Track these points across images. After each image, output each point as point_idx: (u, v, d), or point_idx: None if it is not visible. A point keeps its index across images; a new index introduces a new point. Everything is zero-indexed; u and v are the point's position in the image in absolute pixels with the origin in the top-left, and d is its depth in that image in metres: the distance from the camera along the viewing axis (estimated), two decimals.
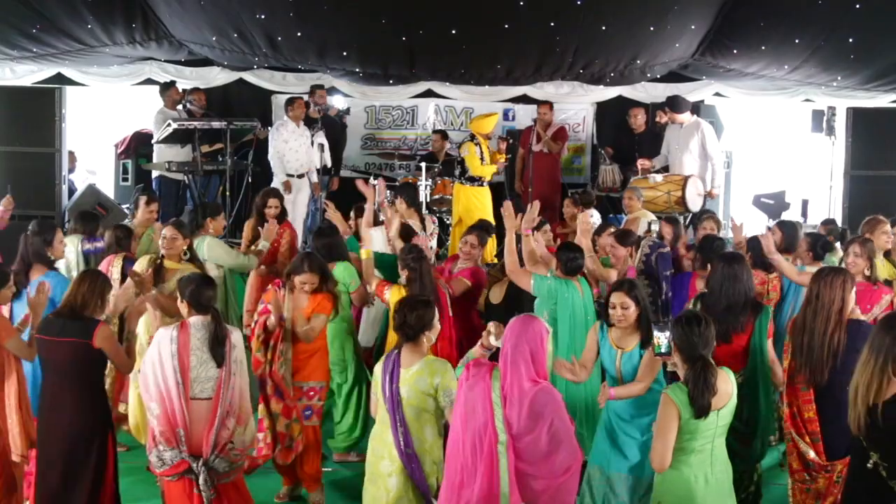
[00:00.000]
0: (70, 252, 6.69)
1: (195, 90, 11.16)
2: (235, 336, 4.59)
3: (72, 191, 10.08)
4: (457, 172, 9.77)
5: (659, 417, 3.98)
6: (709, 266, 5.63)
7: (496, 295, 6.40)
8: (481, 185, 9.64)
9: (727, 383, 4.04)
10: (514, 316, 4.14)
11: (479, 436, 3.89)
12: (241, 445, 4.52)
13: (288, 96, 10.64)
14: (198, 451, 4.40)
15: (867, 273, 5.86)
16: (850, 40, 9.46)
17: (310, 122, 10.40)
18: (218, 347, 4.47)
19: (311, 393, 5.67)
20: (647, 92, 11.79)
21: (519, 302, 5.98)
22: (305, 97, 10.60)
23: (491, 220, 9.59)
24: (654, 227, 7.68)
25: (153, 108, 10.92)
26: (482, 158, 9.53)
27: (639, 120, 10.91)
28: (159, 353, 4.44)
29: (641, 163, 10.14)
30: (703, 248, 6.16)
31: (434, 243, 8.27)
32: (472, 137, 9.62)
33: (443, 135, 11.46)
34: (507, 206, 5.95)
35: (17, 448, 4.83)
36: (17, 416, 4.83)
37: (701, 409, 3.90)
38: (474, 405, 3.95)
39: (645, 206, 9.04)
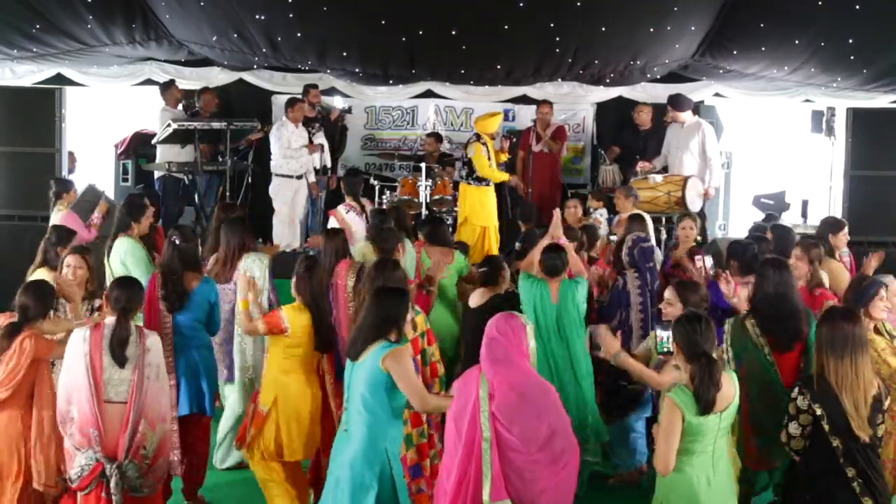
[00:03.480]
0: None
1: (206, 90, 11.14)
2: (151, 340, 4.50)
3: None
4: (464, 173, 9.76)
5: (663, 420, 3.99)
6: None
7: (475, 300, 6.24)
8: (487, 185, 9.62)
9: (730, 385, 4.06)
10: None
11: (468, 433, 3.98)
12: (151, 453, 4.42)
13: (288, 97, 10.65)
14: (112, 454, 4.34)
15: (808, 278, 5.79)
16: (851, 41, 9.46)
17: (308, 123, 10.40)
18: (117, 348, 4.39)
19: None
20: (647, 92, 11.76)
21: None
22: (299, 97, 10.58)
23: (495, 220, 9.61)
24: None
25: (153, 108, 10.91)
26: (489, 159, 9.50)
27: (643, 117, 10.83)
28: (73, 354, 4.40)
29: (642, 165, 10.13)
30: (737, 254, 5.97)
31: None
32: (479, 137, 9.56)
33: (436, 137, 11.43)
34: (556, 215, 6.46)
35: (41, 477, 4.63)
36: (49, 449, 4.62)
37: (707, 405, 3.92)
38: (465, 402, 4.04)
39: (645, 206, 9.05)
